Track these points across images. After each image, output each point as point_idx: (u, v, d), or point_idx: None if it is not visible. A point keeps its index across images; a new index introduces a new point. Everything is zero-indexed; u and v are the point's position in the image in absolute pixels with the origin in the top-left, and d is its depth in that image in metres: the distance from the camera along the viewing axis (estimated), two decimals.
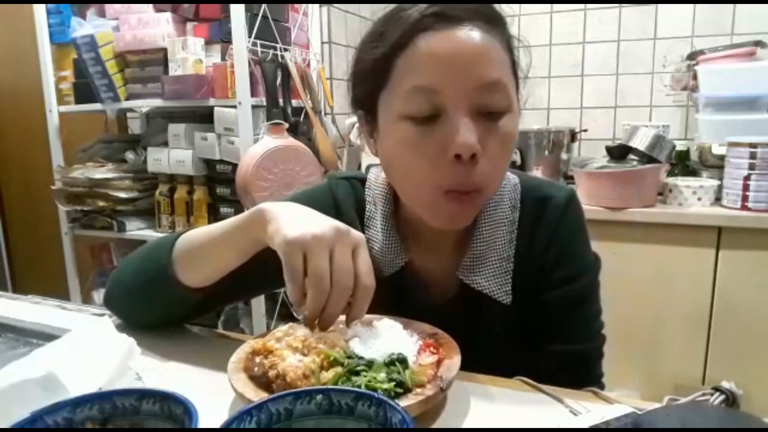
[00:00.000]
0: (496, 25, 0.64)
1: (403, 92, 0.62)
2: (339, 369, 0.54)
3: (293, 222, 0.58)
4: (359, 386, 0.51)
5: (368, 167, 0.83)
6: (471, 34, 0.61)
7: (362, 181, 0.81)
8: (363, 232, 0.75)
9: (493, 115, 0.62)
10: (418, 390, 0.52)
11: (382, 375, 0.53)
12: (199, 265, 0.68)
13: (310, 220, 0.58)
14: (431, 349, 0.60)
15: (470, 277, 0.72)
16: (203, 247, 0.67)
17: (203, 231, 0.69)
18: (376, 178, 0.79)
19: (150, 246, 0.75)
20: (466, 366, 0.61)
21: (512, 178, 0.77)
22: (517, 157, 1.93)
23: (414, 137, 0.63)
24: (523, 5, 2.26)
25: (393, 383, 0.52)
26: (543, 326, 0.73)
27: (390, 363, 0.54)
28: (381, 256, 0.74)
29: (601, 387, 0.72)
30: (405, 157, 0.65)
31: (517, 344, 0.74)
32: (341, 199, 0.78)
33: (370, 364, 0.55)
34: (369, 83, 0.67)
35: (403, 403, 0.49)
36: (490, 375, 0.64)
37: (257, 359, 0.56)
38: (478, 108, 0.62)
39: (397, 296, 0.75)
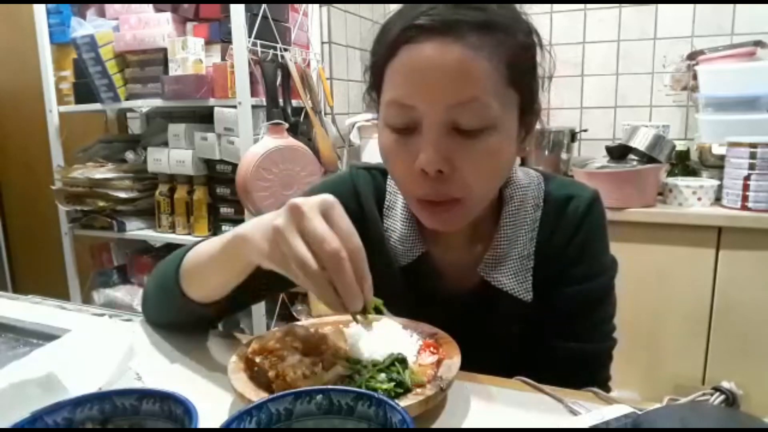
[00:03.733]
0: (490, 34, 0.60)
1: (385, 102, 0.65)
2: (339, 369, 0.54)
3: (259, 235, 0.56)
4: (359, 386, 0.51)
5: None
6: (449, 49, 0.58)
7: (383, 171, 0.82)
8: (381, 221, 0.77)
9: (469, 132, 0.61)
10: (418, 390, 0.52)
11: (382, 375, 0.53)
12: (200, 284, 0.67)
13: (267, 222, 0.55)
14: (431, 349, 0.60)
15: (491, 275, 0.72)
16: (202, 267, 0.67)
17: (204, 250, 0.67)
18: None
19: (169, 258, 0.74)
20: (479, 360, 0.61)
21: (536, 177, 0.77)
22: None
23: (393, 145, 0.65)
24: (523, 5, 2.26)
25: (393, 383, 0.52)
26: (556, 322, 0.74)
27: (390, 363, 0.54)
28: (399, 245, 0.76)
29: (607, 390, 0.72)
30: (387, 161, 0.68)
31: (529, 339, 0.74)
32: (361, 188, 0.80)
33: (370, 364, 0.55)
34: (371, 83, 0.71)
35: (403, 403, 0.49)
36: (502, 369, 0.64)
37: (257, 359, 0.56)
38: (453, 125, 0.61)
39: (414, 286, 0.76)
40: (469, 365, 0.61)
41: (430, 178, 0.62)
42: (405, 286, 0.75)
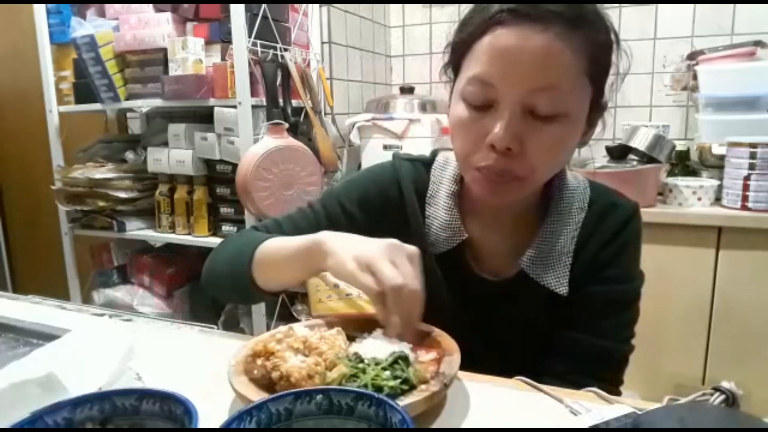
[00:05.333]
0: (578, 28, 0.63)
1: (466, 77, 0.67)
2: (343, 368, 0.54)
3: (348, 254, 0.62)
4: (365, 384, 0.51)
5: (436, 151, 0.87)
6: (537, 36, 0.61)
7: (424, 163, 0.85)
8: (423, 210, 0.81)
9: (543, 117, 0.64)
10: (423, 386, 0.53)
11: (387, 373, 0.53)
12: (271, 278, 0.74)
13: (366, 247, 0.62)
14: (426, 347, 0.61)
15: (531, 267, 0.75)
16: (275, 263, 0.73)
17: (278, 246, 0.73)
18: (446, 160, 0.84)
19: (240, 242, 0.79)
20: (500, 345, 0.66)
21: (583, 181, 0.82)
22: None
23: (465, 119, 0.68)
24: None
25: (398, 380, 0.52)
26: (580, 318, 0.76)
27: (393, 361, 0.55)
28: (441, 232, 0.79)
29: (618, 393, 0.75)
30: (456, 133, 0.71)
31: (552, 330, 0.77)
32: (403, 177, 0.83)
33: (372, 363, 0.55)
34: (454, 59, 0.73)
35: (409, 399, 0.50)
36: (521, 355, 0.68)
37: (258, 362, 0.56)
38: (529, 107, 0.64)
39: (451, 272, 0.79)
40: (490, 350, 0.65)
41: (497, 154, 0.65)
42: (442, 272, 0.79)
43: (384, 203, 0.82)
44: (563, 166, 0.76)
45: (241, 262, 0.75)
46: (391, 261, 0.60)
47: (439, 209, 0.80)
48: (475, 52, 0.66)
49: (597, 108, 0.71)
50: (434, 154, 0.87)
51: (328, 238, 0.66)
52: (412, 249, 0.63)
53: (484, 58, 0.65)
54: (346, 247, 0.63)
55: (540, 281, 0.75)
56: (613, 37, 0.69)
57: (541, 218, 0.78)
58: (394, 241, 0.63)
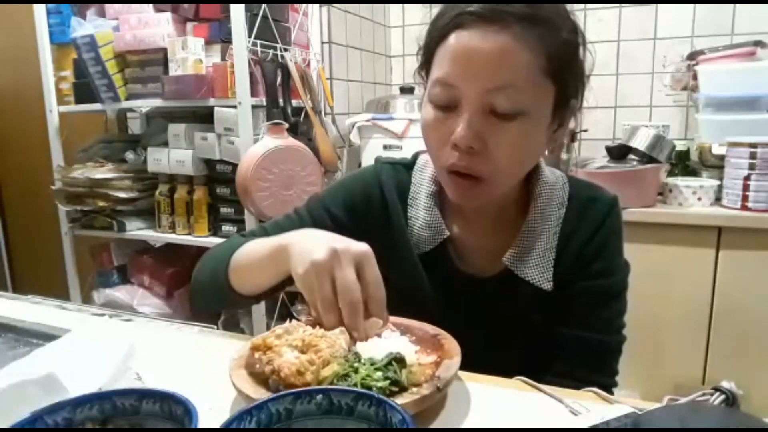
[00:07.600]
0: (535, 26, 0.64)
1: (431, 80, 0.70)
2: (335, 367, 0.54)
3: (299, 259, 0.63)
4: (355, 384, 0.51)
5: (417, 153, 0.89)
6: (493, 37, 0.63)
7: (406, 165, 0.87)
8: (406, 211, 0.82)
9: (503, 116, 0.66)
10: (414, 389, 0.53)
11: (379, 373, 0.53)
12: (246, 282, 0.75)
13: (314, 251, 0.61)
14: (429, 349, 0.61)
15: (515, 265, 0.76)
16: (247, 267, 0.74)
17: (250, 250, 0.75)
18: (426, 162, 0.85)
19: (222, 249, 0.81)
20: (491, 343, 0.65)
21: (561, 176, 0.82)
22: None
23: (433, 120, 0.70)
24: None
25: (388, 381, 0.52)
26: (571, 313, 0.77)
27: (387, 362, 0.55)
28: (423, 231, 0.80)
29: (615, 384, 0.77)
30: (426, 135, 0.73)
31: (543, 327, 0.78)
32: (384, 180, 0.85)
33: (368, 363, 0.55)
34: (422, 63, 0.75)
35: (398, 401, 0.49)
36: (513, 353, 0.69)
37: (256, 355, 0.56)
38: (489, 107, 0.66)
39: (436, 270, 0.80)
40: (484, 348, 0.64)
41: (461, 152, 0.67)
42: (426, 270, 0.80)
43: (368, 205, 0.83)
44: (530, 165, 0.76)
45: (219, 268, 0.77)
46: (330, 272, 0.60)
47: (419, 209, 0.81)
48: (439, 54, 0.68)
49: (565, 106, 0.72)
50: (416, 156, 0.88)
51: (294, 239, 0.66)
52: (359, 251, 0.62)
53: (446, 60, 0.67)
54: (298, 255, 0.63)
55: (524, 277, 0.76)
56: (579, 38, 0.70)
57: (522, 215, 0.79)
58: (338, 245, 0.62)
